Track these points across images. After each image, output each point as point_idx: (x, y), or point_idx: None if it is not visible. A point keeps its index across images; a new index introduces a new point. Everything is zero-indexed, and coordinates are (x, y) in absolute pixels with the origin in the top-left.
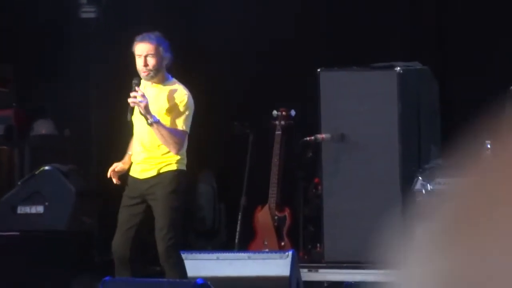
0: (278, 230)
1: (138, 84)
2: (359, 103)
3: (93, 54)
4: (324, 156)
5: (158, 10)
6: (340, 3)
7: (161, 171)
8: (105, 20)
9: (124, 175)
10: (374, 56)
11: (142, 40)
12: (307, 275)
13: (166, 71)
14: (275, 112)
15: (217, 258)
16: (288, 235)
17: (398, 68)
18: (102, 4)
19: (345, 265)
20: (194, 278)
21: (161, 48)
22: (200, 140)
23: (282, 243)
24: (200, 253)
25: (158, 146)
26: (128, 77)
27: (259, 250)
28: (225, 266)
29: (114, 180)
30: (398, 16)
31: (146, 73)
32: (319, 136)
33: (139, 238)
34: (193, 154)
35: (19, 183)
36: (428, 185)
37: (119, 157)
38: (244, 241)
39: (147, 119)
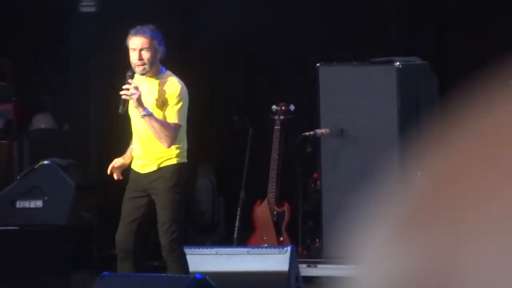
0: (277, 225)
1: (132, 77)
2: (359, 98)
3: (93, 48)
4: (323, 151)
5: (158, 5)
6: None
7: (161, 166)
8: (105, 14)
9: (126, 168)
10: (373, 51)
11: (136, 34)
12: (306, 270)
13: (160, 63)
14: (274, 107)
15: (216, 253)
16: (287, 230)
17: (398, 63)
18: None
19: (344, 260)
20: (193, 273)
21: (155, 42)
22: (200, 134)
23: (281, 238)
24: (199, 248)
25: (156, 141)
26: (127, 71)
27: (258, 245)
28: (224, 261)
29: (115, 176)
30: (397, 11)
31: (141, 67)
32: (318, 131)
33: (142, 230)
34: (193, 149)
35: (18, 177)
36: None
37: (119, 151)
38: (243, 236)
39: (139, 112)
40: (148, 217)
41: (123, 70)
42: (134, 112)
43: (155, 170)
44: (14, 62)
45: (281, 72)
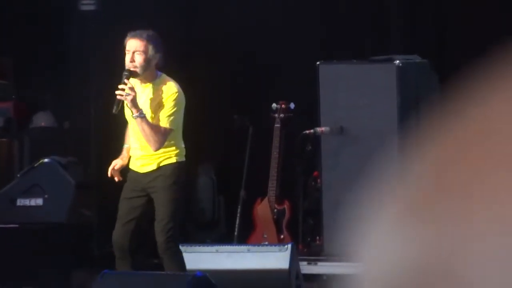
0: (277, 223)
1: (128, 77)
2: (359, 96)
3: (93, 47)
4: (324, 149)
5: (159, 4)
6: None
7: (161, 164)
8: (105, 13)
9: (124, 168)
10: (373, 49)
11: (132, 36)
12: (306, 268)
13: (156, 69)
14: (274, 105)
15: (216, 251)
16: (287, 228)
17: (397, 61)
18: None
19: (344, 257)
20: (193, 271)
21: (150, 47)
22: (200, 133)
23: (282, 236)
24: (199, 245)
25: None
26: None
27: (258, 243)
28: (224, 259)
29: (116, 178)
30: (397, 9)
31: (132, 69)
32: (318, 129)
33: (139, 230)
34: (193, 147)
35: (18, 175)
36: None
37: (119, 149)
38: (243, 234)
39: (133, 112)
40: (145, 217)
41: (123, 69)
42: (129, 112)
43: (155, 169)
44: (14, 60)
45: (281, 70)
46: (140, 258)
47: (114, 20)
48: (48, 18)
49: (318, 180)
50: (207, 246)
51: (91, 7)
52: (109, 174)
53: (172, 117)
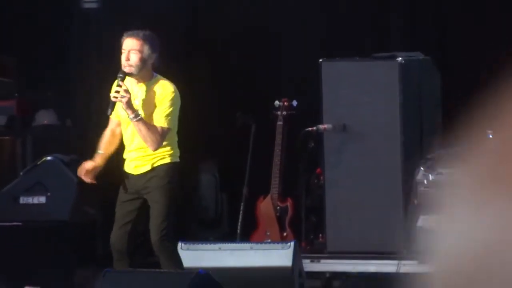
0: (280, 221)
1: (123, 79)
2: (361, 94)
3: (95, 45)
4: (326, 147)
5: (161, 2)
6: None
7: (155, 165)
8: (107, 10)
9: (120, 170)
10: (374, 48)
11: (128, 36)
12: (309, 265)
13: (152, 70)
14: (277, 103)
15: (219, 249)
16: (290, 226)
17: (400, 58)
18: None
19: (347, 255)
20: (196, 269)
21: (146, 46)
22: (203, 130)
23: (284, 234)
24: (202, 243)
25: None
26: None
27: (261, 240)
28: (227, 257)
29: (88, 180)
30: (397, 9)
31: (127, 69)
32: (321, 126)
33: (136, 232)
34: (195, 144)
35: (21, 173)
36: (430, 175)
37: (120, 147)
38: (246, 231)
39: (128, 114)
40: (142, 219)
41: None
42: (124, 114)
43: (149, 170)
44: (17, 58)
45: (284, 67)
46: (138, 259)
47: (116, 18)
48: (51, 16)
49: (321, 178)
50: (210, 243)
51: (94, 5)
52: (79, 174)
53: (169, 117)
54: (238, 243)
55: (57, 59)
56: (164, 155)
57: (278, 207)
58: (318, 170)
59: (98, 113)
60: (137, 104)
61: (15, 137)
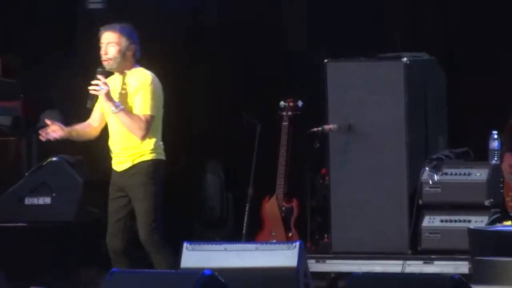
0: (285, 221)
1: (102, 73)
2: (366, 94)
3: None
4: (332, 147)
5: (166, 2)
6: None
7: (135, 162)
8: (112, 11)
9: (109, 168)
10: (380, 46)
11: (105, 29)
12: (314, 265)
13: (133, 61)
14: (282, 103)
15: (225, 249)
16: (295, 226)
17: (405, 58)
18: None
19: (352, 255)
20: (202, 269)
21: (123, 38)
22: (208, 131)
23: (290, 234)
24: (207, 243)
25: (130, 136)
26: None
27: (266, 241)
28: (232, 257)
29: (42, 135)
30: (405, 6)
31: (106, 62)
32: (326, 126)
33: (130, 229)
34: (201, 145)
35: (26, 174)
36: (435, 175)
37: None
38: (251, 232)
39: (110, 106)
40: (133, 215)
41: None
42: (107, 108)
43: (130, 167)
44: (22, 59)
45: (289, 68)
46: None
47: (121, 18)
48: (56, 16)
49: (326, 178)
50: (216, 244)
51: (99, 5)
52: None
53: (149, 103)
54: (244, 243)
55: (62, 59)
56: (144, 152)
57: (284, 208)
58: (324, 170)
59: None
60: (116, 96)
61: (20, 138)
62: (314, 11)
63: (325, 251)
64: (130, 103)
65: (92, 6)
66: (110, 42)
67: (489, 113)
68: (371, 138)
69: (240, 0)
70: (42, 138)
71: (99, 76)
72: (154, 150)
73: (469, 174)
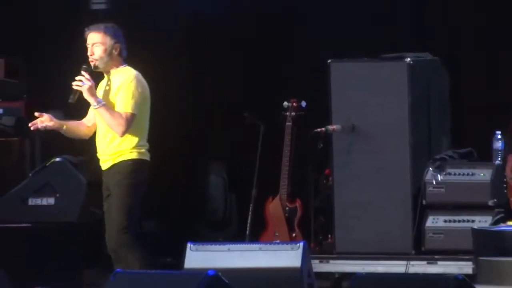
0: (289, 221)
1: (87, 70)
2: (370, 94)
3: None
4: (335, 147)
5: (168, 3)
6: None
7: (115, 161)
8: (116, 12)
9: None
10: (384, 47)
11: (90, 30)
12: (318, 266)
13: (122, 61)
14: (285, 103)
15: (228, 250)
16: (299, 226)
17: (408, 59)
18: None
19: (356, 255)
20: (205, 270)
21: (108, 38)
22: (212, 131)
23: (293, 234)
24: (211, 244)
25: (112, 136)
26: (138, 68)
27: (270, 241)
28: (236, 258)
29: (34, 124)
30: (408, 6)
31: (92, 62)
32: (329, 127)
33: None
34: (204, 146)
35: (30, 174)
36: (439, 176)
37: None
38: (255, 232)
39: (92, 102)
40: None
41: (134, 67)
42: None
43: (110, 166)
44: (26, 59)
45: (293, 68)
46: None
47: (125, 19)
48: (60, 17)
49: (330, 178)
50: (219, 244)
51: (102, 6)
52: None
53: (131, 102)
54: (247, 244)
55: (66, 60)
56: (124, 152)
57: (287, 208)
58: (327, 170)
59: None
60: (101, 94)
61: (24, 138)
62: (317, 11)
63: (329, 252)
64: (112, 101)
65: (95, 7)
66: (96, 43)
67: (493, 113)
68: (374, 138)
69: (243, 1)
70: (33, 128)
71: (83, 72)
72: (134, 149)
73: (472, 174)
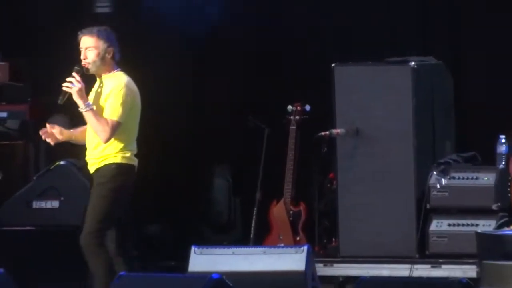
0: (293, 225)
1: (79, 71)
2: (374, 98)
3: None
4: (339, 151)
5: (172, 5)
6: None
7: (99, 166)
8: (120, 15)
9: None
10: (388, 51)
11: (83, 34)
12: (322, 269)
13: (115, 65)
14: (290, 107)
15: (233, 253)
16: (303, 230)
17: (413, 63)
18: None
19: (360, 259)
20: (210, 273)
21: (101, 41)
22: (216, 135)
23: (298, 238)
24: (215, 247)
25: (98, 139)
26: (140, 71)
27: (274, 244)
28: (240, 261)
29: (42, 134)
30: (411, 11)
31: (85, 66)
32: (334, 131)
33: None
34: (209, 149)
35: (34, 178)
36: (443, 179)
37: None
38: (259, 235)
39: (79, 105)
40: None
41: (137, 71)
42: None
43: (95, 170)
44: (30, 63)
45: (297, 72)
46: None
47: (129, 22)
48: (63, 20)
49: (334, 182)
50: (224, 248)
51: (106, 9)
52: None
53: (118, 110)
54: (251, 247)
55: (70, 63)
56: (108, 156)
57: (291, 211)
58: (331, 174)
59: None
60: (91, 98)
61: (28, 142)
62: (322, 14)
63: (333, 255)
64: (102, 106)
65: (99, 10)
66: (89, 47)
67: (496, 117)
68: (378, 142)
69: (250, 3)
70: (44, 137)
71: (74, 74)
72: (119, 154)
73: (476, 178)
